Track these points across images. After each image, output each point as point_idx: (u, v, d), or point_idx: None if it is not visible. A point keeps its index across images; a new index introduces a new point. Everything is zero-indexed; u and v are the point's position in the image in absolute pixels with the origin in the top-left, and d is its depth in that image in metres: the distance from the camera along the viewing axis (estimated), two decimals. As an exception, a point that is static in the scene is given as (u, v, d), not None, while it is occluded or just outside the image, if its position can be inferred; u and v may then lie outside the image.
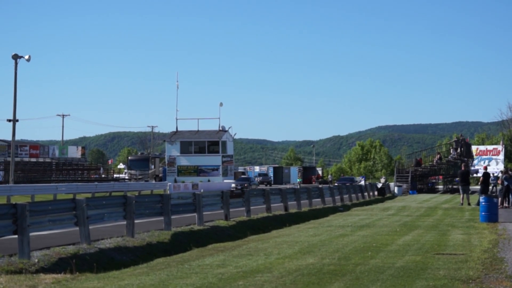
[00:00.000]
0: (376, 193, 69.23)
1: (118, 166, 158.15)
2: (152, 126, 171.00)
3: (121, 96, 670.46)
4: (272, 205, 38.52)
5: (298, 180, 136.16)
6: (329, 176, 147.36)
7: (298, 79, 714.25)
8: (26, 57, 72.85)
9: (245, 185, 76.98)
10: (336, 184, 69.69)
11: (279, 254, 18.62)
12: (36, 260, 17.86)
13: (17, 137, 79.33)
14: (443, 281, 13.67)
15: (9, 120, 75.39)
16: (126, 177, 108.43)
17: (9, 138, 79.97)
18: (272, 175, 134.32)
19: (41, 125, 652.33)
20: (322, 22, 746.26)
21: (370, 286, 12.95)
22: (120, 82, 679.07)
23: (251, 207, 35.24)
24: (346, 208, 46.60)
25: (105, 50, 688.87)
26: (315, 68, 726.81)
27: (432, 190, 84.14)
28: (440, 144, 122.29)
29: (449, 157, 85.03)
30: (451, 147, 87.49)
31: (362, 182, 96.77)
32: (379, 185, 73.83)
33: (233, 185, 77.84)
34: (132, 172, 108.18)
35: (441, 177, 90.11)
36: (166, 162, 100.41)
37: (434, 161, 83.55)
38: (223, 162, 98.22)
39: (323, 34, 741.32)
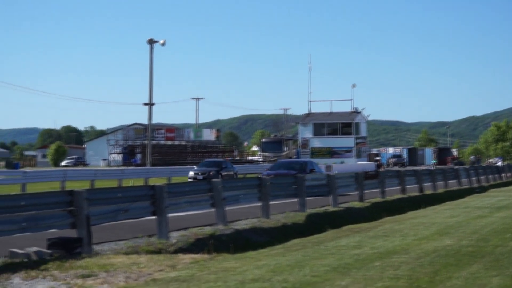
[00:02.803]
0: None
1: (252, 148, 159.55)
2: (285, 108, 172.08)
3: (254, 79, 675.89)
4: (406, 186, 38.12)
5: (433, 161, 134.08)
6: (471, 157, 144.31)
7: (433, 59, 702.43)
8: (161, 41, 74.26)
9: (211, 173, 51.72)
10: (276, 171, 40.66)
11: (415, 236, 18.36)
12: (174, 241, 18.19)
13: (153, 121, 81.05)
14: None
15: (146, 104, 77.20)
16: (260, 159, 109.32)
17: (146, 121, 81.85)
18: (407, 157, 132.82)
19: (176, 108, 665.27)
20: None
21: (510, 268, 12.61)
22: (254, 65, 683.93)
23: (386, 189, 34.97)
24: (482, 189, 45.64)
25: (239, 33, 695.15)
26: (450, 47, 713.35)
27: None
28: None
29: None
30: None
31: (500, 163, 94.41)
32: (518, 166, 71.96)
33: (191, 173, 53.41)
34: (266, 154, 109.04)
35: None
36: (299, 144, 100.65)
37: None
38: (356, 143, 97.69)
39: (457, 13, 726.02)
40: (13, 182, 44.81)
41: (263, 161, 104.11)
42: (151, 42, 74.01)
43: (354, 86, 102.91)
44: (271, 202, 24.76)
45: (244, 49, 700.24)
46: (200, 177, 50.69)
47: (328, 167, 78.18)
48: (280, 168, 40.65)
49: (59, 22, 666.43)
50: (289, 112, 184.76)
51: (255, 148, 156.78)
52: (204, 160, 62.82)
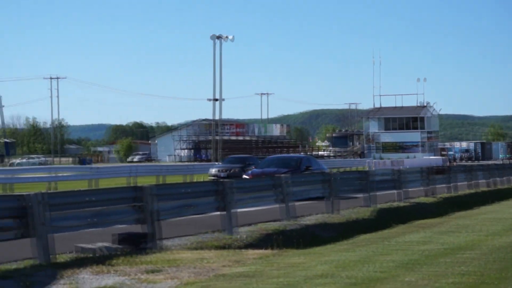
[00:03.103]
0: None
1: (317, 144, 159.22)
2: (353, 103, 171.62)
3: (322, 74, 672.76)
4: (476, 181, 37.66)
5: (502, 155, 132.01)
6: None
7: (503, 51, 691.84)
8: (230, 37, 74.83)
9: (234, 170, 45.86)
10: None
11: (484, 231, 18.11)
12: (239, 236, 18.19)
13: (223, 116, 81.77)
14: None
15: (215, 100, 77.74)
16: (325, 154, 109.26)
17: (213, 117, 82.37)
18: (478, 151, 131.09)
19: (243, 103, 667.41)
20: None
21: None
22: (321, 60, 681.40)
23: (454, 183, 34.61)
24: (555, 184, 44.85)
25: (304, 29, 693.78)
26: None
27: None
28: None
29: None
30: None
31: None
32: None
33: (213, 170, 47.72)
34: (334, 149, 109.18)
35: None
36: (369, 138, 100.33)
37: None
38: (427, 138, 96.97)
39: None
40: (82, 178, 45.42)
41: (328, 156, 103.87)
42: (215, 37, 74.55)
43: (419, 80, 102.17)
44: (337, 198, 24.66)
45: (310, 44, 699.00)
46: (223, 174, 45.05)
47: (398, 162, 77.56)
48: (271, 165, 34.91)
49: (125, 19, 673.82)
50: (357, 107, 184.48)
51: (321, 143, 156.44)
52: (229, 156, 58.01)
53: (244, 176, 33.40)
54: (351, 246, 15.98)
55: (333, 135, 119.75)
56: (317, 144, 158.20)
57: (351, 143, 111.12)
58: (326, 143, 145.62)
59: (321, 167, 35.71)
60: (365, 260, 13.15)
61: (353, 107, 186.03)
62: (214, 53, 75.03)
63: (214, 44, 74.75)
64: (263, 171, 32.90)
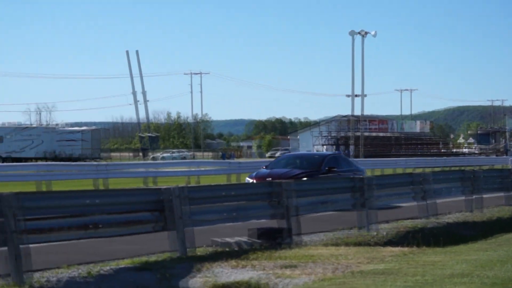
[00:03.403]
0: None
1: (458, 141, 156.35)
2: (496, 100, 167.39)
3: (466, 70, 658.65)
4: None
5: None
6: None
7: None
8: (372, 32, 75.08)
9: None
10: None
11: None
12: (376, 233, 18.09)
13: (358, 112, 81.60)
14: None
15: (355, 96, 77.79)
16: (466, 152, 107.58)
17: (351, 113, 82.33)
18: None
19: (383, 100, 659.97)
20: None
21: None
22: (465, 55, 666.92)
23: None
24: None
25: (446, 25, 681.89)
26: None
27: None
28: None
29: None
30: None
31: None
32: None
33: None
34: (479, 146, 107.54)
35: None
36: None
37: None
38: None
39: None
40: (223, 172, 45.96)
41: (479, 154, 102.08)
42: (355, 33, 74.81)
43: None
44: (475, 196, 24.16)
45: (453, 39, 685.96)
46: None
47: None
48: (287, 165, 27.45)
49: (266, 16, 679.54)
50: (498, 104, 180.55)
51: (462, 140, 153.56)
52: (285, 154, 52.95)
53: (247, 179, 27.09)
54: (492, 245, 15.64)
55: (478, 132, 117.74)
56: (458, 141, 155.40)
57: (493, 140, 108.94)
58: (471, 140, 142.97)
59: (354, 168, 28.05)
60: (505, 260, 12.82)
61: (497, 103, 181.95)
62: (353, 49, 75.24)
63: (353, 39, 74.94)
64: (271, 173, 26.00)
